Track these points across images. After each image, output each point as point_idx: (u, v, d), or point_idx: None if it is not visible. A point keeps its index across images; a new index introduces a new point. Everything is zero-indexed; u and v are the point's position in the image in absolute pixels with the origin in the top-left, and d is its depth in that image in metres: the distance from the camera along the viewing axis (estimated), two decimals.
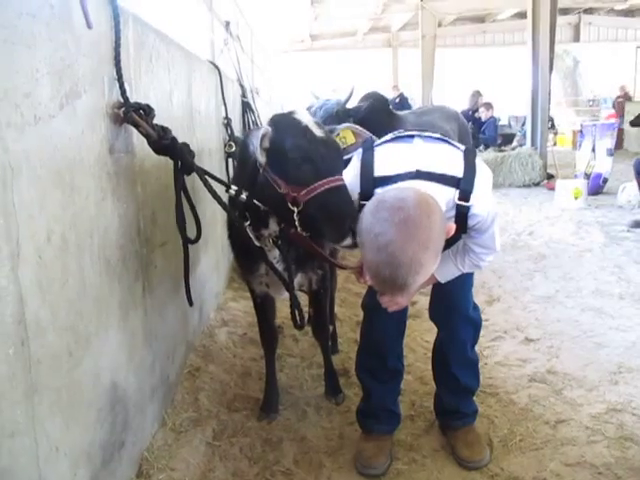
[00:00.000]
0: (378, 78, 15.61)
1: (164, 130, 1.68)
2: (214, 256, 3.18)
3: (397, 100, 13.32)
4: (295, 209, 1.59)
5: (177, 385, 2.35)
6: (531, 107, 8.04)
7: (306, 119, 1.66)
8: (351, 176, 1.67)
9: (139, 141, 1.79)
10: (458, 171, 1.60)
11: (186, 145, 1.73)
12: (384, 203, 1.36)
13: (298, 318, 1.94)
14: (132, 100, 1.79)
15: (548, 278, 3.90)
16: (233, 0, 5.17)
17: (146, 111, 1.67)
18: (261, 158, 1.65)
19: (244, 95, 4.41)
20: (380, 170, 1.64)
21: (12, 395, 1.09)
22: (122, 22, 1.69)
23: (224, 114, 3.53)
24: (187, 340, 2.56)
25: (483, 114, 9.11)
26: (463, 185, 1.59)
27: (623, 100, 12.47)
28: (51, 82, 1.25)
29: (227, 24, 4.44)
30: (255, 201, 1.73)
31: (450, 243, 1.72)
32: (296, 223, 1.62)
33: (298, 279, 2.14)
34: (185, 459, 1.93)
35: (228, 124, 3.55)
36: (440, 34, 14.21)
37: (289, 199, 1.60)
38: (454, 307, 2.00)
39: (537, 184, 7.97)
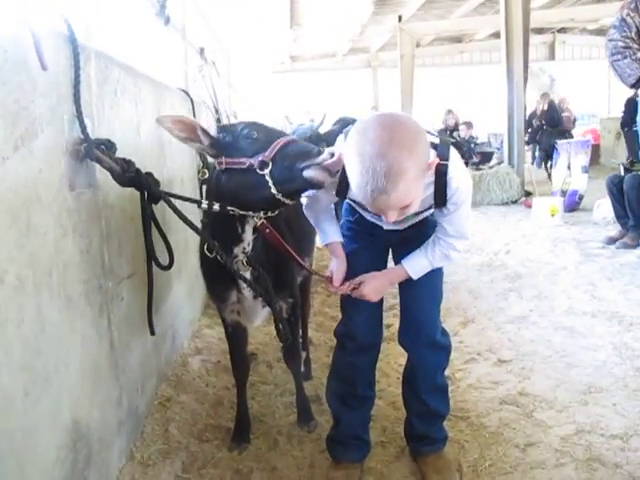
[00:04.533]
0: (359, 98, 15.83)
1: (127, 163, 1.70)
2: (188, 284, 3.18)
3: None
4: (266, 170, 1.70)
5: (147, 417, 2.33)
6: (507, 125, 8.17)
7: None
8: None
9: (102, 175, 1.80)
10: (434, 139, 1.63)
11: (150, 175, 1.76)
12: (372, 121, 1.40)
13: (284, 331, 2.04)
14: (95, 135, 1.81)
15: (523, 297, 3.94)
16: (208, 27, 5.23)
17: (107, 146, 1.68)
18: (211, 151, 1.83)
19: (219, 120, 4.44)
20: None
21: None
22: (84, 59, 1.71)
23: None
24: (158, 370, 2.55)
25: (463, 132, 9.25)
26: (440, 149, 1.62)
27: None
28: (4, 125, 1.26)
29: (202, 50, 4.50)
30: (229, 208, 1.79)
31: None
32: (270, 184, 1.71)
33: (267, 309, 2.16)
34: None
35: (201, 154, 3.56)
36: (419, 54, 14.48)
37: (257, 165, 1.71)
38: (421, 333, 2.00)
39: (515, 202, 8.08)
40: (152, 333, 1.95)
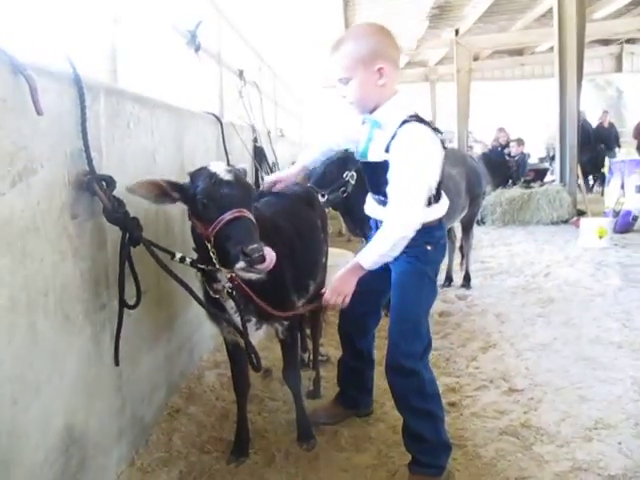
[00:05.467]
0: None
1: (119, 203, 1.85)
2: None
3: None
4: (209, 245, 1.82)
5: (154, 426, 2.48)
6: (559, 141, 7.93)
7: (217, 168, 1.89)
8: None
9: None
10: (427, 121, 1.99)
11: (135, 219, 1.90)
12: None
13: (255, 361, 2.12)
14: (104, 165, 2.00)
15: (550, 324, 3.84)
16: (250, 47, 5.45)
17: (108, 182, 1.84)
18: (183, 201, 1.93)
19: (256, 140, 4.62)
20: None
21: None
22: (91, 97, 1.89)
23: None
24: (170, 382, 2.70)
25: (514, 149, 9.06)
26: (418, 117, 1.94)
27: None
28: (1, 165, 1.43)
29: (241, 72, 4.69)
30: (199, 265, 1.94)
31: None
32: (214, 260, 1.84)
33: (264, 329, 2.27)
34: None
35: None
36: (478, 67, 14.29)
37: (205, 237, 1.83)
38: (388, 355, 2.14)
39: (565, 221, 7.82)
40: (116, 364, 2.00)
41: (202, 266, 1.93)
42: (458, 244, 5.17)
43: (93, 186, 1.80)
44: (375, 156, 2.02)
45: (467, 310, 4.33)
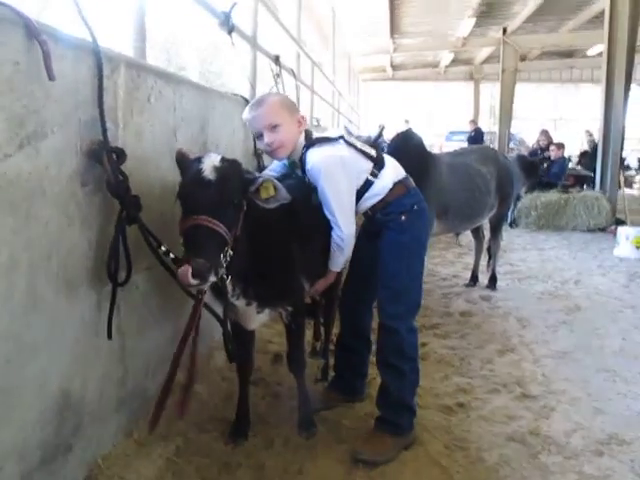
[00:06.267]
0: (458, 111, 15.54)
1: (123, 178, 1.84)
2: None
3: (472, 134, 13.25)
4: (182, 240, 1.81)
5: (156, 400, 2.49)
6: (602, 148, 7.68)
7: (207, 163, 1.81)
8: None
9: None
10: (330, 135, 2.30)
11: (136, 197, 1.88)
12: None
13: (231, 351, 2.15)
14: (121, 137, 2.00)
15: (574, 332, 3.71)
16: (289, 35, 5.43)
17: (118, 155, 1.84)
18: None
19: None
20: None
21: None
22: (111, 68, 1.90)
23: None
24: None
25: (553, 152, 8.81)
26: (315, 140, 2.26)
27: None
28: (9, 126, 1.45)
29: (277, 58, 4.67)
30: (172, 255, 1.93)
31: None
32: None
33: (266, 313, 2.26)
34: (138, 470, 2.05)
35: (259, 155, 3.71)
36: (524, 68, 13.93)
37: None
38: (379, 317, 2.35)
39: (603, 229, 7.57)
40: (109, 337, 1.95)
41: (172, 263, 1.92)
42: (486, 245, 5.05)
43: (102, 156, 1.80)
44: None
45: (489, 312, 4.24)
